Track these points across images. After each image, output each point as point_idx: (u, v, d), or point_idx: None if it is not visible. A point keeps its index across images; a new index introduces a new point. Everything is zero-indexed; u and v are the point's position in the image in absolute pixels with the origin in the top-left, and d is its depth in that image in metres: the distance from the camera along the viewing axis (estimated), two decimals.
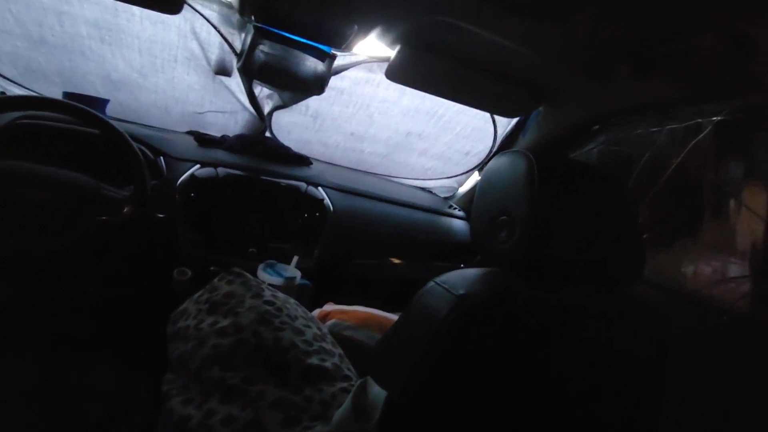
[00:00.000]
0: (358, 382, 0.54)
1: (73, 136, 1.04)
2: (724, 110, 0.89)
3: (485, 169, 0.73)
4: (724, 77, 0.81)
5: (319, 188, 1.32)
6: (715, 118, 0.90)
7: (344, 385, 0.58)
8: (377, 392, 0.52)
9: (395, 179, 1.69)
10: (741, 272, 0.87)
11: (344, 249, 1.36)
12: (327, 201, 1.30)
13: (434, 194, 1.70)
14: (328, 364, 0.60)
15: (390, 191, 1.51)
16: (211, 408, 0.51)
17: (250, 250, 1.19)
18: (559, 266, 0.65)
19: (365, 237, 1.39)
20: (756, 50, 0.70)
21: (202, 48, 1.14)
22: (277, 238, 1.24)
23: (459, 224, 1.56)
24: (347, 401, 0.52)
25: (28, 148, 0.98)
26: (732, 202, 0.91)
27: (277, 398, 0.53)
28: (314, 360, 0.59)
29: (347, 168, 1.61)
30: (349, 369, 0.63)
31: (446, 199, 1.70)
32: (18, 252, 0.85)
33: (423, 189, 1.71)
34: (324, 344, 0.64)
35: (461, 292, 0.60)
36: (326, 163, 1.56)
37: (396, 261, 1.45)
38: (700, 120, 0.94)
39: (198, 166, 1.18)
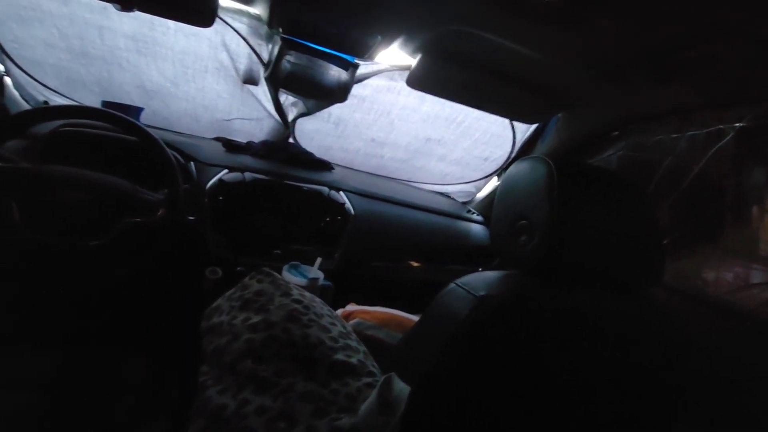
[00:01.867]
0: (384, 377, 0.56)
1: (111, 143, 1.11)
2: (746, 116, 0.89)
3: (505, 174, 0.75)
4: (746, 83, 0.81)
5: (341, 192, 1.35)
6: (737, 125, 0.90)
7: (369, 380, 0.61)
8: (402, 387, 0.55)
9: (414, 184, 1.71)
10: (763, 279, 0.87)
11: (364, 251, 1.40)
12: (348, 205, 1.34)
13: (453, 199, 1.72)
14: (353, 360, 0.63)
15: (409, 195, 1.53)
16: (246, 398, 0.54)
17: (275, 251, 1.24)
18: (577, 270, 0.67)
19: (385, 240, 1.43)
20: None
21: (232, 59, 1.19)
22: (300, 240, 1.28)
23: (477, 228, 1.58)
24: (373, 395, 0.54)
25: (69, 154, 1.05)
26: (755, 209, 0.90)
27: (307, 391, 0.56)
28: (340, 356, 0.62)
29: (367, 173, 1.65)
30: (373, 365, 0.66)
31: (465, 203, 1.72)
32: (58, 250, 0.90)
33: (442, 194, 1.73)
34: (349, 341, 0.67)
35: (481, 293, 0.62)
36: (347, 168, 1.60)
37: (415, 264, 1.47)
38: (721, 126, 0.94)
39: (226, 171, 1.23)
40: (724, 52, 0.74)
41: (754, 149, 0.90)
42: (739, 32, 0.74)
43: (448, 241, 1.53)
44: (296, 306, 0.66)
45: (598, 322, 0.67)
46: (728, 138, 0.92)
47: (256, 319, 0.63)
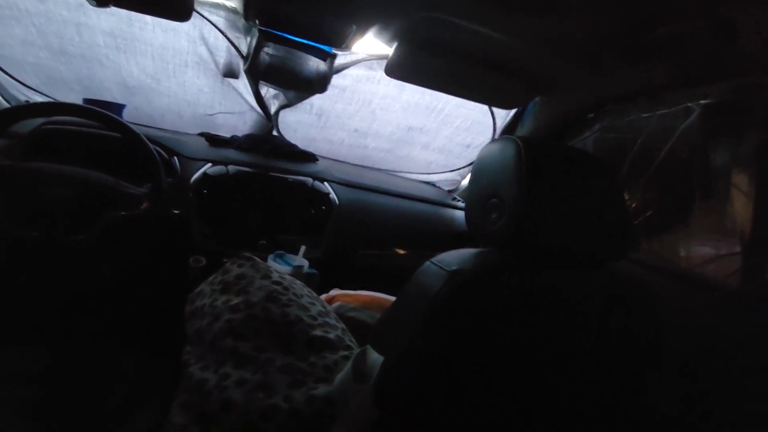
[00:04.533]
0: (358, 349, 0.59)
1: (93, 140, 1.12)
2: (710, 94, 0.92)
3: (478, 154, 0.77)
4: (708, 61, 0.83)
5: (325, 183, 1.37)
6: (702, 101, 0.93)
7: (346, 353, 0.63)
8: (375, 357, 0.57)
9: (399, 174, 1.74)
10: (730, 250, 0.90)
11: (350, 240, 1.42)
12: (333, 195, 1.35)
13: (438, 187, 1.75)
14: (331, 335, 0.65)
15: (394, 185, 1.56)
16: (226, 372, 0.56)
17: (261, 242, 1.25)
18: (547, 246, 0.69)
19: (370, 228, 1.45)
20: (736, 34, 0.73)
21: (211, 52, 1.20)
22: (286, 230, 1.29)
23: (461, 215, 1.60)
24: (348, 365, 0.57)
25: (51, 152, 1.06)
26: (721, 183, 0.93)
27: (285, 364, 0.58)
28: (318, 332, 0.64)
29: (352, 164, 1.67)
30: (351, 341, 0.68)
31: (450, 192, 1.74)
32: (44, 245, 0.91)
33: (427, 183, 1.76)
34: (328, 319, 0.69)
35: (453, 268, 0.64)
36: (332, 159, 1.62)
37: (400, 251, 1.49)
38: (689, 104, 0.97)
39: (210, 164, 1.24)
40: (687, 31, 0.77)
41: (719, 126, 0.93)
42: (700, 11, 0.77)
43: (433, 228, 1.55)
44: (276, 287, 0.68)
45: (567, 294, 0.69)
46: (694, 115, 0.95)
47: (236, 300, 0.66)
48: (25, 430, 0.91)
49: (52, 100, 1.28)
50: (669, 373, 0.86)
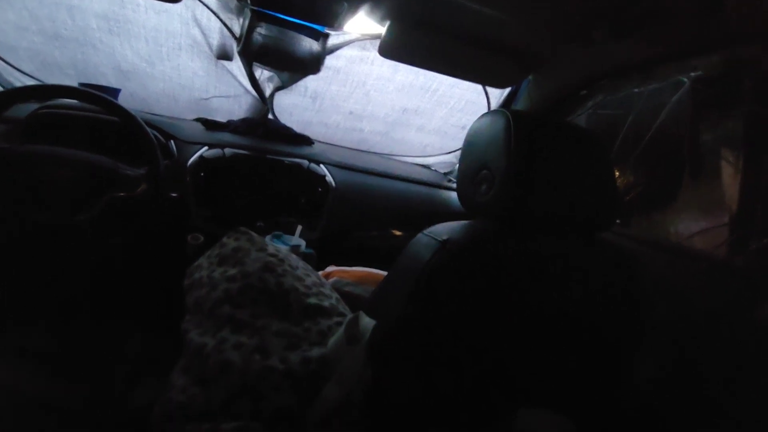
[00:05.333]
0: (351, 315, 0.61)
1: (90, 123, 1.13)
2: (699, 66, 0.92)
3: (469, 128, 0.78)
4: (695, 33, 0.84)
5: (321, 165, 1.38)
6: (692, 74, 0.94)
7: (340, 319, 0.65)
8: (367, 321, 0.59)
9: (396, 157, 1.75)
10: (718, 223, 0.91)
11: (347, 222, 1.43)
12: (329, 177, 1.37)
13: (434, 170, 1.76)
14: (325, 303, 0.67)
15: (389, 167, 1.57)
16: (224, 337, 0.58)
17: (258, 224, 1.27)
18: (536, 216, 0.70)
19: (366, 210, 1.46)
20: (720, 3, 0.74)
21: (204, 34, 1.21)
22: (283, 212, 1.31)
23: (456, 196, 1.61)
24: (341, 329, 0.59)
25: (49, 135, 1.07)
26: (710, 157, 0.94)
27: (280, 329, 0.60)
28: (313, 300, 0.66)
29: (348, 148, 1.68)
30: (344, 308, 0.71)
31: (446, 174, 1.75)
32: (40, 225, 0.93)
33: (423, 165, 1.77)
34: (322, 289, 0.71)
35: (444, 237, 0.66)
36: (328, 144, 1.63)
37: (396, 232, 1.51)
38: (680, 77, 0.97)
39: (206, 147, 1.25)
40: (674, 2, 0.77)
41: (707, 98, 0.94)
42: None
43: (429, 210, 1.57)
44: (271, 259, 0.70)
45: (556, 263, 0.70)
46: (684, 88, 0.96)
47: (233, 271, 0.67)
48: (30, 408, 0.93)
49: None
50: (655, 339, 0.89)
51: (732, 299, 0.85)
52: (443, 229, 0.69)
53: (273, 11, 1.06)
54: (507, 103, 1.42)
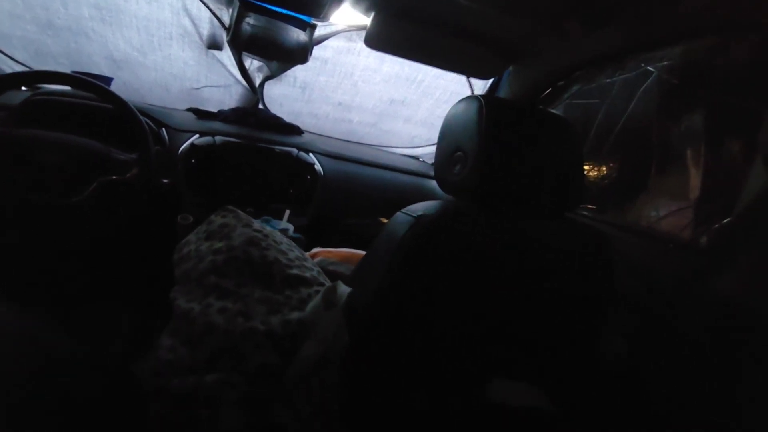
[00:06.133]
0: (330, 284, 0.65)
1: (82, 110, 1.16)
2: (665, 57, 0.97)
3: (447, 113, 0.83)
4: (658, 24, 0.89)
5: (310, 154, 1.42)
6: (659, 64, 0.99)
7: (320, 288, 0.70)
8: (344, 289, 0.64)
9: (384, 148, 1.79)
10: (682, 206, 0.97)
11: (336, 209, 1.48)
12: (317, 165, 1.41)
13: (421, 161, 1.80)
14: (306, 274, 0.71)
15: (377, 157, 1.61)
16: (209, 302, 0.62)
17: (248, 210, 1.30)
18: (506, 193, 0.75)
19: (355, 198, 1.51)
20: None
21: (194, 24, 1.24)
22: (272, 199, 1.35)
23: None
24: (319, 295, 0.63)
25: (43, 121, 1.10)
26: (675, 144, 0.99)
27: (263, 296, 0.64)
28: (295, 271, 0.70)
29: (337, 139, 1.72)
30: (325, 279, 0.75)
31: (433, 164, 1.79)
32: (33, 207, 0.96)
33: (411, 156, 1.81)
34: (305, 263, 0.75)
35: (419, 213, 0.71)
36: (318, 135, 1.67)
37: (384, 220, 1.55)
38: (649, 67, 1.02)
39: (197, 135, 1.29)
40: None
41: (673, 88, 0.99)
42: None
43: (416, 199, 1.58)
44: (256, 234, 0.74)
45: (525, 239, 0.75)
46: (653, 78, 1.00)
47: (219, 245, 0.71)
48: (23, 388, 0.97)
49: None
50: (625, 312, 0.94)
51: (693, 275, 0.90)
52: (419, 207, 0.74)
53: (260, 1, 1.10)
54: (489, 93, 1.46)
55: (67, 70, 1.31)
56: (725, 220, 0.89)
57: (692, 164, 0.96)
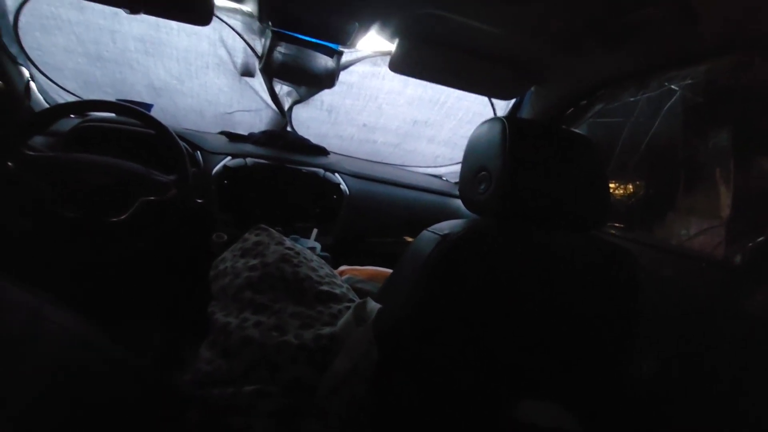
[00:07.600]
0: (360, 300, 0.67)
1: (125, 135, 1.24)
2: (688, 76, 0.98)
3: (471, 134, 0.85)
4: (679, 44, 0.90)
5: (336, 174, 1.47)
6: (682, 83, 0.99)
7: (349, 304, 0.72)
8: (373, 305, 0.66)
9: (408, 168, 1.82)
10: (714, 224, 0.95)
11: (361, 228, 1.51)
12: (343, 185, 1.45)
13: (444, 180, 1.82)
14: (336, 290, 0.74)
15: (401, 177, 1.64)
16: (245, 317, 0.65)
17: (277, 228, 1.35)
18: (530, 212, 0.76)
19: (379, 217, 1.54)
20: (696, 16, 0.80)
21: (229, 54, 1.32)
22: (300, 218, 1.39)
23: None
24: (350, 311, 0.65)
25: (90, 145, 1.18)
26: (702, 161, 0.99)
27: (296, 311, 0.67)
28: (325, 287, 0.73)
29: (363, 159, 1.77)
30: (354, 296, 0.77)
31: (456, 183, 1.81)
32: (81, 223, 1.03)
33: (434, 175, 1.84)
34: (334, 279, 0.78)
35: (445, 232, 0.72)
36: (344, 155, 1.72)
37: (408, 239, 1.57)
38: (672, 86, 1.03)
39: (229, 157, 1.35)
40: (653, 15, 0.83)
41: (698, 105, 0.99)
42: None
43: (439, 218, 1.60)
44: (288, 251, 0.78)
45: (551, 256, 0.75)
46: (677, 96, 1.01)
47: (254, 261, 0.75)
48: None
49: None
50: (655, 332, 0.92)
51: (727, 294, 0.88)
52: (445, 226, 0.76)
53: (292, 32, 1.16)
54: (512, 114, 1.48)
55: (112, 98, 1.41)
56: (758, 239, 0.87)
57: (722, 182, 0.95)
